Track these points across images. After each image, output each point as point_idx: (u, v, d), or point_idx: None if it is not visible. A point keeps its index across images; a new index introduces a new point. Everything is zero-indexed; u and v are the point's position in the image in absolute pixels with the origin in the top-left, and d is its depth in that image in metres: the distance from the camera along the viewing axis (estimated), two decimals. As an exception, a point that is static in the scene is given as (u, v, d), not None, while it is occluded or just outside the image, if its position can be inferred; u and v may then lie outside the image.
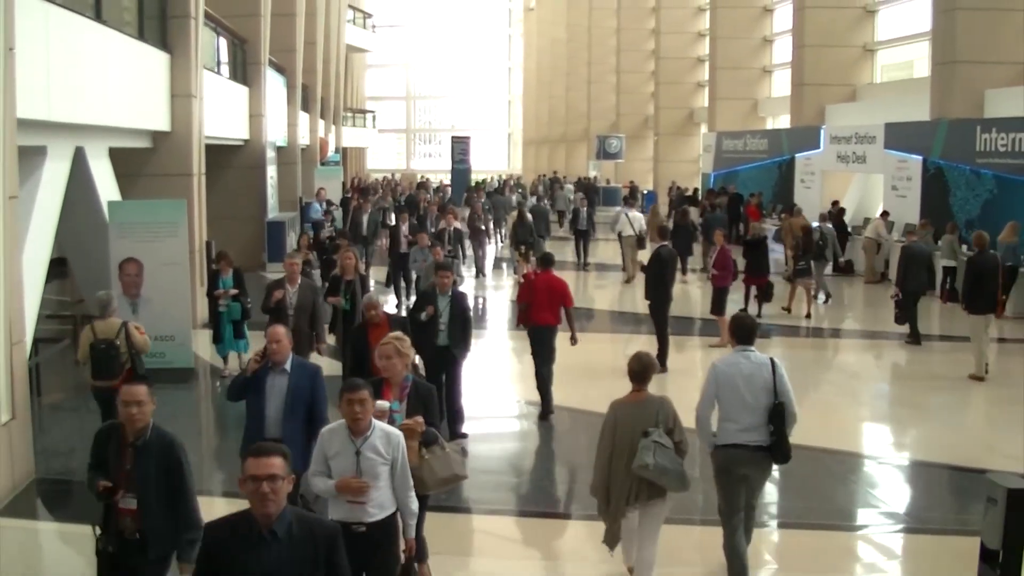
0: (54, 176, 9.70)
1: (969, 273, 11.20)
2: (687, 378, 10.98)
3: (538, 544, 6.96)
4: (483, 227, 20.77)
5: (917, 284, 12.63)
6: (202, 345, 11.72)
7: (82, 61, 9.88)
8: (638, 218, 19.36)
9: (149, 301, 10.33)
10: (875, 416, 10.36)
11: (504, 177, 47.13)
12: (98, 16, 10.43)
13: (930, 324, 14.30)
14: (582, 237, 21.11)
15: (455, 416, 8.43)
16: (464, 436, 8.39)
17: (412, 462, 4.83)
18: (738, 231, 23.69)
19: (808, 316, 14.70)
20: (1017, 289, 14.68)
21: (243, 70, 19.71)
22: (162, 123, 12.81)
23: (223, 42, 17.85)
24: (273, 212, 20.98)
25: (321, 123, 33.14)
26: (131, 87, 11.60)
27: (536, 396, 9.47)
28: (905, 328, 12.90)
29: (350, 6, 45.58)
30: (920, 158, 18.36)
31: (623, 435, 5.38)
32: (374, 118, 51.94)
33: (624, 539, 5.64)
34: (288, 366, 5.63)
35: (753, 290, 14.39)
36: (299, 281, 8.98)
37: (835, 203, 20.40)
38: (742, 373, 5.52)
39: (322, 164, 31.62)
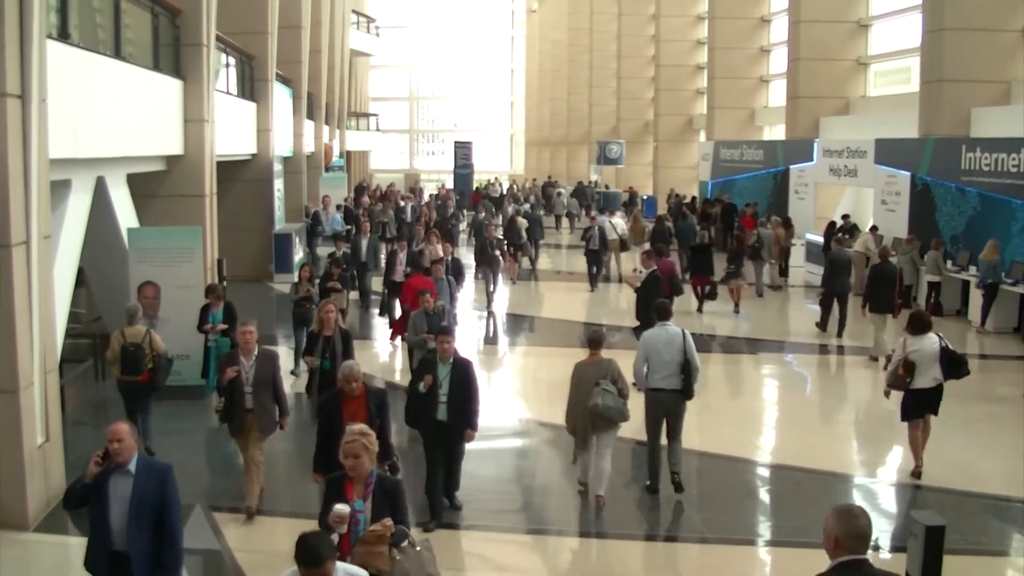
0: (78, 207, 10.27)
1: (871, 279, 13.58)
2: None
3: (535, 561, 7.41)
4: (496, 253, 18.01)
5: (841, 287, 14.85)
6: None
7: (103, 97, 10.42)
8: (619, 224, 21.45)
9: (166, 322, 10.88)
10: (838, 432, 10.92)
11: (508, 184, 47.12)
12: (117, 53, 10.99)
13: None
14: (595, 261, 19.75)
15: (450, 489, 7.79)
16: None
17: (383, 567, 4.59)
18: (733, 241, 24.30)
19: (736, 311, 16.88)
20: (998, 305, 15.21)
21: (251, 86, 20.27)
22: (176, 147, 13.35)
23: (232, 61, 18.38)
24: (280, 223, 21.56)
25: (325, 129, 33.68)
26: (148, 116, 12.15)
27: (533, 414, 10.09)
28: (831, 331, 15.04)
29: (353, 11, 46.09)
30: (908, 174, 18.90)
31: (584, 386, 7.78)
32: (377, 121, 52.49)
33: (580, 464, 8.13)
34: (132, 467, 4.99)
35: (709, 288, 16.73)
36: (255, 352, 7.78)
37: (845, 217, 20.93)
38: (662, 340, 8.13)
39: (327, 170, 32.19)
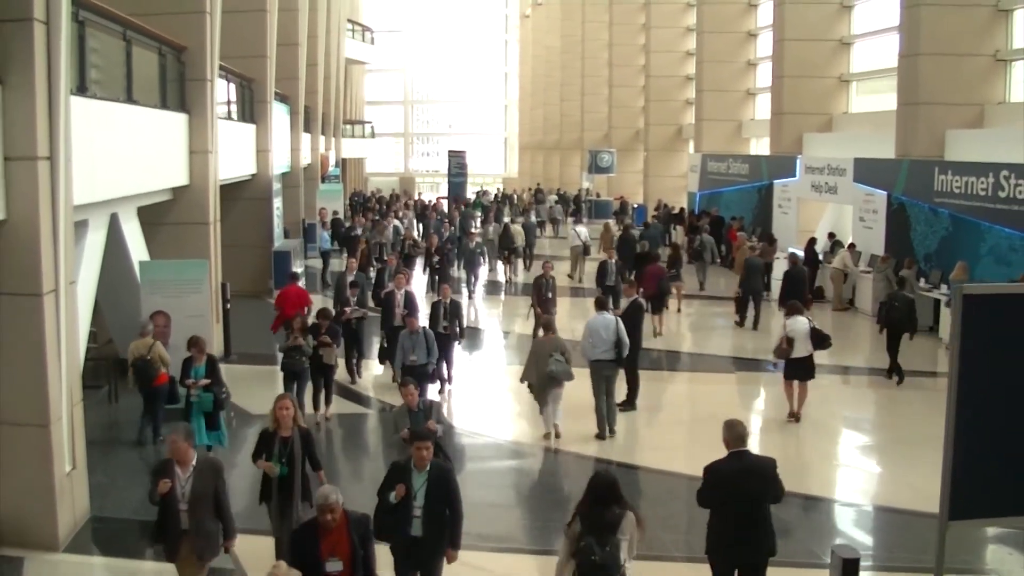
0: (94, 245, 10.95)
1: (785, 281, 16.71)
2: (652, 413, 12.51)
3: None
4: (550, 295, 15.78)
5: (755, 287, 17.81)
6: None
7: (117, 141, 11.08)
8: (583, 231, 23.81)
9: (176, 349, 11.53)
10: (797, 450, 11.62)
11: (503, 194, 47.16)
12: (129, 98, 11.67)
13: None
14: (611, 295, 16.71)
15: None
16: None
17: None
18: (720, 253, 25.02)
19: (679, 310, 19.48)
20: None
21: (250, 108, 20.90)
22: (182, 178, 14.02)
23: (232, 87, 19.00)
24: (279, 240, 22.21)
25: (321, 139, 34.22)
26: (156, 152, 12.82)
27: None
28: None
29: (349, 20, 46.68)
30: (885, 193, 19.63)
31: (541, 356, 10.69)
32: (372, 128, 53.13)
33: (544, 417, 10.97)
34: None
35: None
36: (193, 462, 6.59)
37: (831, 235, 21.83)
38: (601, 324, 10.97)
39: (323, 180, 32.80)
